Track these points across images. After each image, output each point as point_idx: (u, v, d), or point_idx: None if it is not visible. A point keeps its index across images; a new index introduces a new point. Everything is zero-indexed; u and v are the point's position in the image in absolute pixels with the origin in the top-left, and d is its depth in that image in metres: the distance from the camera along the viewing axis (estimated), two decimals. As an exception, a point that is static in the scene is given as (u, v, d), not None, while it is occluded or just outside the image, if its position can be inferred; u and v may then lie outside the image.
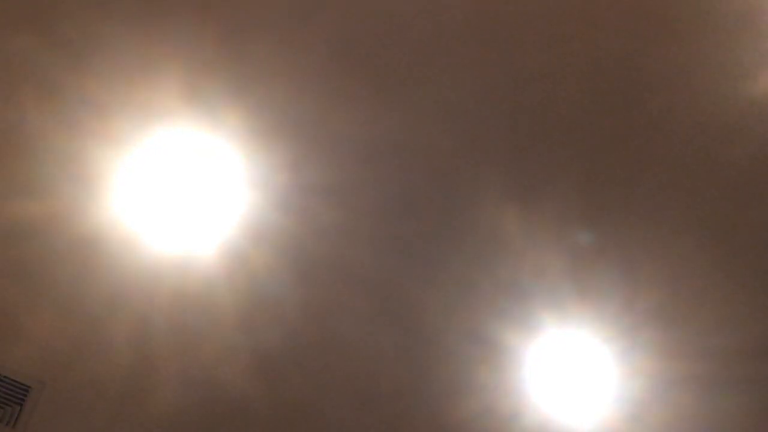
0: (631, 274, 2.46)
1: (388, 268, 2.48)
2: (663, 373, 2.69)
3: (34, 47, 2.06)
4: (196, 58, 2.09)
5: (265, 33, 2.04)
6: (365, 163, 2.27)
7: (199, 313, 2.61)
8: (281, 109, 2.18)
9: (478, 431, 2.86)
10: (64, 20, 2.02)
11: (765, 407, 2.68)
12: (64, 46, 2.06)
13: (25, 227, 2.41)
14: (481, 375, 2.73)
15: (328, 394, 2.76)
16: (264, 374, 2.73)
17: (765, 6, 1.76)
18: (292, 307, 2.60)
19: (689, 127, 2.11)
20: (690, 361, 2.65)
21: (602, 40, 1.92)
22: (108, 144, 2.25)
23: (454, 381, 2.74)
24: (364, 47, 2.05)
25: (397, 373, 2.73)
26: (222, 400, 2.76)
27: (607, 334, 2.63)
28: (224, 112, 2.19)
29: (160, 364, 2.71)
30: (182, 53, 2.08)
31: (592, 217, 2.33)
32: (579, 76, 2.05)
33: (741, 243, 2.39)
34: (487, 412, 2.83)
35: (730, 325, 2.55)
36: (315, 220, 2.38)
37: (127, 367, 2.69)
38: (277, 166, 2.29)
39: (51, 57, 2.08)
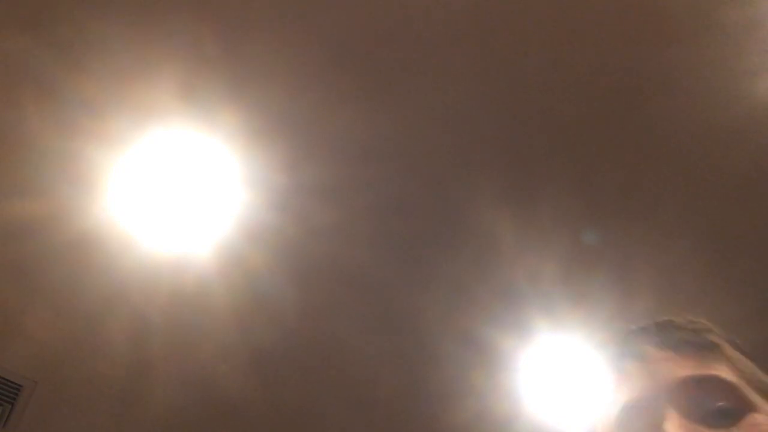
0: (626, 279, 2.47)
1: (383, 269, 2.48)
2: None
3: (31, 48, 2.05)
4: (193, 59, 2.09)
5: (261, 33, 2.04)
6: (361, 164, 2.27)
7: (196, 313, 2.60)
8: (278, 109, 2.18)
9: (471, 434, 2.86)
10: (61, 21, 2.01)
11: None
12: (61, 47, 2.05)
13: (22, 226, 2.40)
14: (475, 379, 2.73)
15: (324, 394, 2.76)
16: (260, 374, 2.72)
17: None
18: (289, 308, 2.59)
19: (688, 132, 2.11)
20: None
21: (602, 43, 1.93)
22: (105, 144, 2.25)
23: (449, 384, 2.74)
24: (361, 48, 2.06)
25: (392, 374, 2.73)
26: (218, 400, 2.75)
27: (600, 339, 2.63)
28: (221, 113, 2.18)
29: (156, 363, 2.70)
30: (180, 53, 2.08)
31: (589, 221, 2.34)
32: (578, 79, 2.06)
33: (736, 248, 2.40)
34: (482, 415, 2.82)
35: (724, 330, 2.55)
36: (312, 220, 2.37)
37: (123, 366, 2.68)
38: (274, 166, 2.28)
39: (48, 57, 2.07)
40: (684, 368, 0.73)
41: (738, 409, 0.69)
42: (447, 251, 2.46)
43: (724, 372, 0.73)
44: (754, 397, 0.71)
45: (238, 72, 2.10)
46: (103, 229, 2.42)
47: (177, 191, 2.36)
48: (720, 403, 0.69)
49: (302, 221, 2.38)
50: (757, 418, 0.69)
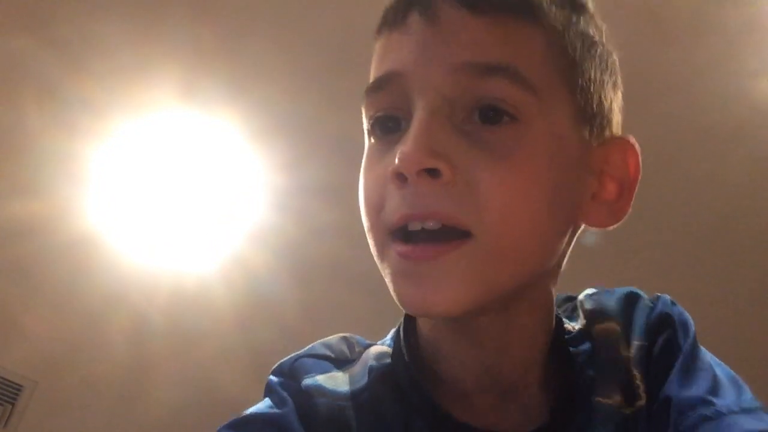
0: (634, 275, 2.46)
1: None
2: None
3: (32, 48, 2.05)
4: (194, 59, 2.09)
5: (261, 33, 2.04)
6: (361, 164, 2.26)
7: (197, 313, 2.60)
8: (280, 109, 2.18)
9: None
10: (62, 21, 2.01)
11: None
12: (62, 47, 2.05)
13: (22, 226, 2.40)
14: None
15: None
16: (262, 374, 2.70)
17: (770, 11, 1.77)
18: (290, 308, 2.59)
19: (693, 132, 2.11)
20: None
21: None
22: (105, 144, 2.25)
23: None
24: (362, 48, 2.05)
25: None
26: (218, 400, 2.74)
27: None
28: (222, 113, 2.18)
29: (156, 364, 2.70)
30: (180, 53, 2.08)
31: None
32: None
33: (737, 248, 2.39)
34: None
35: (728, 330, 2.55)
36: (313, 220, 2.37)
37: (124, 366, 2.68)
38: (275, 166, 2.28)
39: (49, 57, 2.07)
40: (474, 43, 0.51)
41: (513, 116, 0.51)
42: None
43: (528, 58, 0.52)
44: (548, 104, 0.52)
45: (240, 72, 2.10)
46: (103, 229, 2.42)
47: (177, 191, 2.36)
48: (495, 104, 0.51)
49: (304, 221, 2.38)
50: (529, 132, 0.51)
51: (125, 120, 2.20)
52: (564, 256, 0.61)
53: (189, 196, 2.37)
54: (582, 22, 0.57)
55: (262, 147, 2.26)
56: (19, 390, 2.65)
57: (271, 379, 0.64)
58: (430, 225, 0.51)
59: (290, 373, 0.64)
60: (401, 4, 0.56)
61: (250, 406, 0.63)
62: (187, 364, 2.71)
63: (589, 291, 0.66)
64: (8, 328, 2.57)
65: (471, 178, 0.50)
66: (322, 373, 0.63)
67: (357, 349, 0.68)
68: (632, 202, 0.60)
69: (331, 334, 2.64)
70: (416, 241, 0.52)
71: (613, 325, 0.60)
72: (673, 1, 1.82)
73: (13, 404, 2.65)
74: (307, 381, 0.62)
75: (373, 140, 0.57)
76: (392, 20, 0.56)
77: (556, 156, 0.53)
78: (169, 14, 2.00)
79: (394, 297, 0.54)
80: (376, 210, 0.54)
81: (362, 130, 0.61)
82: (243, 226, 2.43)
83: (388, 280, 0.55)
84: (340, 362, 0.65)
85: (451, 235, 0.51)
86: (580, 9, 0.58)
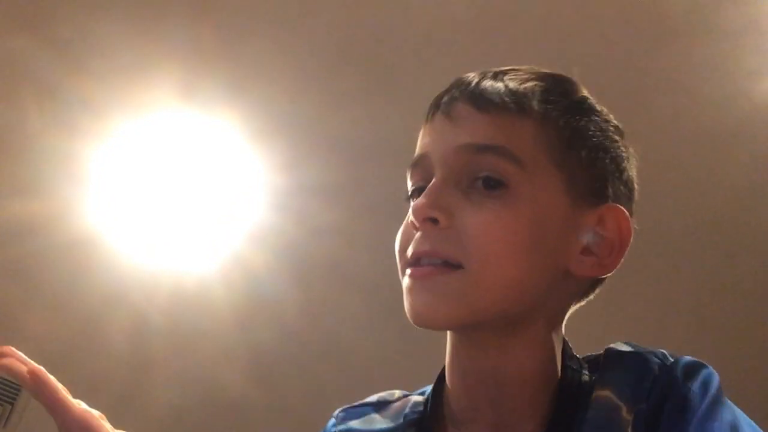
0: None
1: (384, 269, 2.48)
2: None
3: (32, 48, 2.05)
4: (194, 59, 2.09)
5: (261, 33, 2.04)
6: (363, 163, 2.27)
7: (197, 313, 2.60)
8: (279, 109, 2.18)
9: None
10: (62, 21, 2.01)
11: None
12: (62, 47, 2.05)
13: (22, 226, 2.40)
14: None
15: (325, 395, 2.75)
16: (261, 374, 2.72)
17: (769, 11, 1.77)
18: (290, 308, 2.59)
19: (693, 131, 2.12)
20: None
21: (606, 42, 1.93)
22: (105, 144, 2.25)
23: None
24: (361, 48, 2.06)
25: (394, 374, 2.72)
26: (218, 400, 2.74)
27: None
28: (222, 113, 2.19)
29: (157, 363, 2.70)
30: (180, 54, 2.08)
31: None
32: (581, 78, 2.06)
33: (741, 247, 2.40)
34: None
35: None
36: (313, 220, 2.37)
37: (124, 366, 2.68)
38: (274, 166, 2.29)
39: (49, 57, 2.07)
40: (475, 130, 0.69)
41: (503, 183, 0.67)
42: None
43: (517, 141, 0.68)
44: (535, 174, 0.67)
45: (239, 73, 2.10)
46: (103, 229, 2.42)
47: (176, 191, 2.36)
48: (489, 174, 0.67)
49: (304, 221, 2.38)
50: (515, 194, 0.66)
51: (125, 120, 2.20)
52: (560, 303, 0.71)
53: (189, 196, 2.37)
54: (575, 117, 0.72)
55: (262, 147, 2.26)
56: (18, 390, 2.63)
57: (328, 423, 0.82)
58: (435, 261, 0.67)
59: (337, 420, 0.80)
60: (432, 108, 0.74)
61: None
62: (187, 364, 2.71)
63: (617, 346, 0.72)
64: (8, 328, 2.57)
65: (462, 224, 0.66)
66: (358, 417, 0.79)
67: (397, 395, 0.80)
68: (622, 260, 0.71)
69: (331, 334, 2.64)
70: (423, 266, 0.68)
71: (608, 393, 0.67)
72: (673, 1, 1.82)
73: (12, 404, 2.63)
74: (340, 427, 0.79)
75: (411, 203, 0.73)
76: (426, 118, 0.75)
77: (537, 213, 0.67)
78: (169, 14, 2.00)
79: (407, 312, 0.69)
80: (403, 250, 0.71)
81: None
82: (243, 226, 2.43)
83: (404, 297, 0.69)
84: (379, 406, 0.79)
85: (448, 266, 0.66)
86: (574, 108, 0.72)
